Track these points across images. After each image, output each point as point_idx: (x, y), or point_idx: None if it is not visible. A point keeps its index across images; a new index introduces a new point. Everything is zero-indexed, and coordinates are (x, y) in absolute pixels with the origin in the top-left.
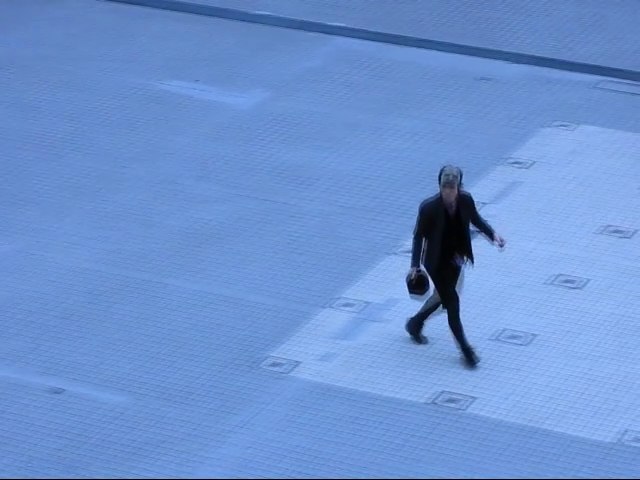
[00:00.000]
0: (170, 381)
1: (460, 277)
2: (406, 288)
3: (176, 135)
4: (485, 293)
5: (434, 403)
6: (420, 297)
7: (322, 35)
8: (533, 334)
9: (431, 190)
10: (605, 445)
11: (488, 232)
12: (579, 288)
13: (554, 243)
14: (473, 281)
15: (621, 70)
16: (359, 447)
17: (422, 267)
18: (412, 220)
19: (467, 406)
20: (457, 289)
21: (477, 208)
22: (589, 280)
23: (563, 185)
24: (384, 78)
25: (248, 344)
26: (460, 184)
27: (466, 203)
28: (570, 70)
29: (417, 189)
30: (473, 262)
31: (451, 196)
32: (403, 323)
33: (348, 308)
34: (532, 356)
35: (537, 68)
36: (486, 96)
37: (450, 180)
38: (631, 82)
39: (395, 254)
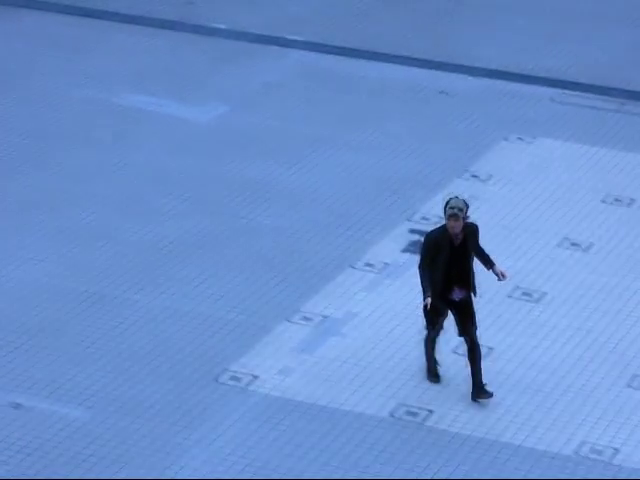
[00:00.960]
0: (129, 395)
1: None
2: (424, 318)
3: (135, 150)
4: None
5: (392, 416)
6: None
7: (281, 49)
8: (490, 347)
9: (387, 203)
10: (562, 457)
11: (488, 262)
12: (537, 301)
13: (512, 256)
14: None
15: (579, 83)
16: (318, 461)
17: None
18: (370, 234)
19: (425, 419)
20: (472, 334)
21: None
22: (547, 293)
23: (521, 198)
24: (343, 92)
25: (207, 358)
26: (466, 216)
27: (472, 233)
28: (529, 83)
29: (376, 203)
30: (475, 294)
31: (455, 228)
32: (361, 336)
33: (307, 322)
34: (490, 369)
35: (496, 81)
36: (445, 110)
37: (455, 213)
38: (589, 95)
39: (354, 268)
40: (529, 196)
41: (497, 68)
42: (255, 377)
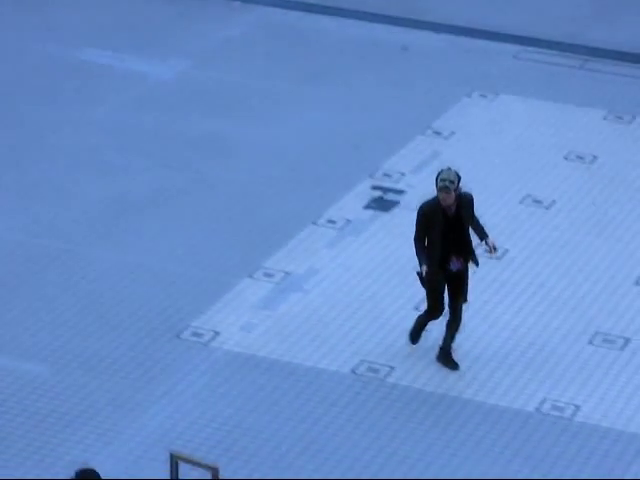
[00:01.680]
0: (91, 351)
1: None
2: (420, 284)
3: (96, 105)
4: (405, 263)
5: (354, 373)
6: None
7: (243, 4)
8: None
9: (349, 159)
10: (524, 414)
11: (481, 234)
12: (499, 258)
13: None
14: (394, 250)
15: (542, 40)
16: (280, 417)
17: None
18: (332, 190)
19: (387, 375)
20: (465, 301)
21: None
22: (509, 250)
23: (483, 155)
24: (305, 48)
25: (169, 314)
26: (458, 187)
27: (466, 203)
28: (491, 40)
29: (337, 160)
30: (477, 263)
31: (447, 200)
32: (323, 293)
33: (269, 278)
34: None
35: (458, 38)
36: (406, 66)
37: (446, 186)
38: (552, 52)
39: (315, 224)
40: (491, 153)
41: (459, 24)
42: (217, 333)
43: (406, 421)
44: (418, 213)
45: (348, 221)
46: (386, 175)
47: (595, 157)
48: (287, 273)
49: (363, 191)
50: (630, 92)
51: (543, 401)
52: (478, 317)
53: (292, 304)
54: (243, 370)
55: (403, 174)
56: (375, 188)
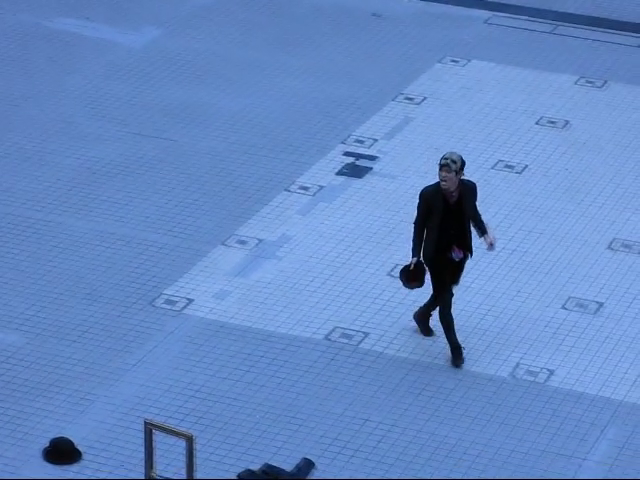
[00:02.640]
0: (64, 320)
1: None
2: (400, 279)
3: (68, 74)
4: (378, 229)
5: (328, 339)
6: (413, 289)
7: None
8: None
9: (321, 126)
10: (498, 379)
11: (481, 228)
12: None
13: None
14: (367, 216)
15: (512, 5)
16: (254, 384)
17: (421, 258)
18: (304, 157)
19: (361, 342)
20: (456, 284)
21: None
22: (481, 215)
23: (455, 121)
24: (277, 16)
25: (142, 282)
26: (460, 171)
27: (469, 192)
28: (462, 5)
29: (310, 126)
30: (471, 254)
31: (448, 181)
32: (296, 260)
33: (242, 245)
34: (425, 290)
35: (429, 4)
36: (378, 32)
37: (447, 163)
38: (521, 17)
39: (288, 191)
40: (463, 119)
41: None
42: (190, 301)
43: (380, 387)
44: (419, 197)
45: (321, 187)
46: (358, 141)
47: (567, 122)
48: (260, 240)
49: (335, 157)
50: (601, 57)
51: (517, 366)
52: None
53: (265, 271)
54: (217, 337)
55: (375, 140)
56: (347, 154)
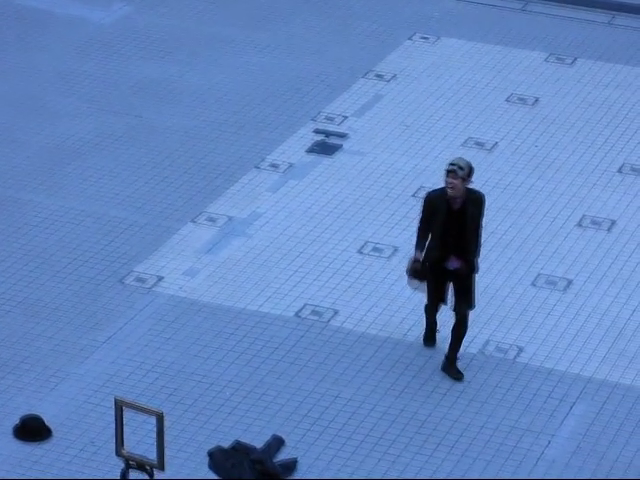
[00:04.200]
0: (34, 298)
1: (469, 286)
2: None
3: (38, 51)
4: (348, 206)
5: (298, 316)
6: (417, 286)
7: None
8: (395, 247)
9: (291, 103)
10: (467, 355)
11: (473, 246)
12: None
13: (416, 156)
14: (337, 194)
15: None
16: (224, 361)
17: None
18: (274, 134)
19: (331, 319)
20: (459, 300)
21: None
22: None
23: (424, 98)
24: None
25: (112, 259)
26: (468, 178)
27: (474, 201)
28: None
29: (279, 103)
30: (474, 270)
31: (454, 188)
32: (267, 237)
33: (212, 223)
34: (394, 268)
35: None
36: (348, 9)
37: (453, 169)
38: None
39: (258, 168)
40: (433, 96)
41: None
42: (160, 278)
43: (350, 364)
44: (423, 200)
45: (291, 165)
46: (328, 119)
47: (537, 99)
48: (230, 218)
49: (305, 135)
50: (571, 34)
51: (486, 343)
52: None
53: (235, 249)
54: (187, 315)
55: (345, 117)
56: (317, 132)
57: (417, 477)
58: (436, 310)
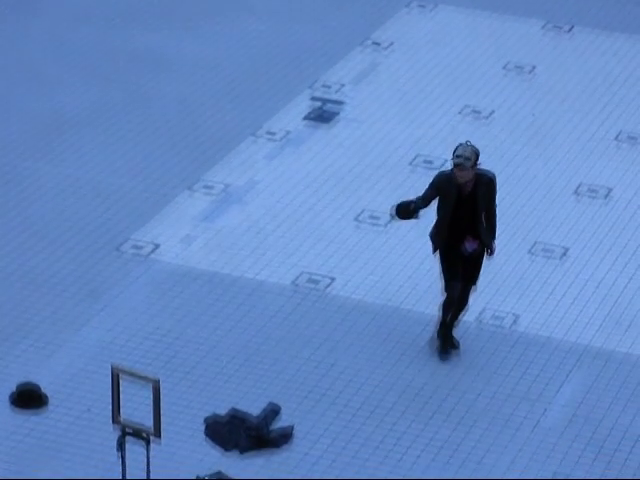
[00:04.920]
0: (30, 265)
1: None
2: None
3: (34, 20)
4: (345, 174)
5: (294, 284)
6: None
7: None
8: (392, 215)
9: (287, 71)
10: (463, 324)
11: (489, 230)
12: (438, 169)
13: (413, 124)
14: (333, 162)
15: None
16: (221, 329)
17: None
18: (271, 102)
19: (327, 286)
20: (474, 283)
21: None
22: (447, 160)
23: (422, 66)
24: None
25: (108, 227)
26: (475, 165)
27: (483, 182)
28: None
29: (276, 71)
30: (491, 252)
31: (463, 177)
32: (263, 205)
33: (208, 190)
34: (392, 236)
35: None
36: None
37: (460, 163)
38: None
39: (254, 136)
40: (430, 64)
41: None
42: (157, 246)
43: (347, 332)
44: (431, 181)
45: (287, 133)
46: (325, 86)
47: (534, 67)
48: (227, 185)
49: (302, 102)
50: (568, 2)
51: (482, 311)
52: (417, 229)
53: (232, 216)
54: (183, 283)
55: (342, 85)
56: (314, 99)
57: (413, 445)
58: (455, 302)
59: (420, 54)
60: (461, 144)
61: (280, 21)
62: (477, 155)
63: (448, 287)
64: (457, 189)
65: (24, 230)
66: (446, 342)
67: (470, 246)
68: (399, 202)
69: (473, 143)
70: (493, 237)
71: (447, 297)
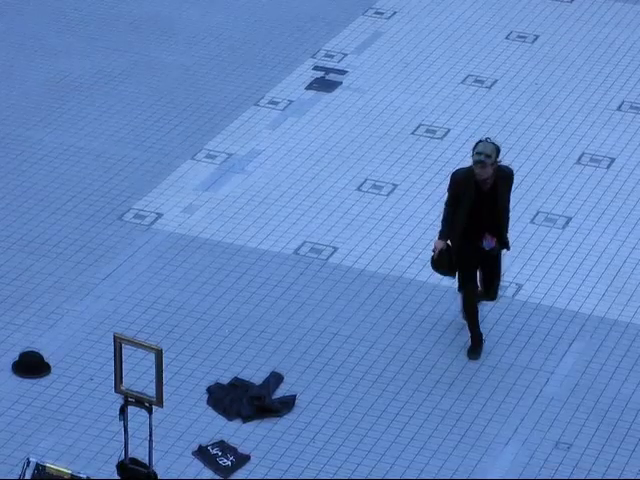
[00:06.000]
0: (33, 234)
1: (498, 263)
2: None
3: None
4: (347, 143)
5: (297, 253)
6: (444, 275)
7: None
8: (394, 184)
9: (290, 40)
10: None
11: (502, 226)
12: (441, 137)
13: (416, 93)
14: (336, 131)
15: None
16: (223, 298)
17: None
18: (273, 71)
19: (329, 256)
20: (491, 284)
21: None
22: (451, 130)
23: (425, 35)
24: None
25: (111, 196)
26: (496, 162)
27: (503, 179)
28: None
29: (279, 40)
30: (508, 247)
31: (482, 174)
32: (266, 174)
33: (211, 160)
34: (394, 205)
35: None
36: None
37: (481, 160)
38: None
39: (257, 105)
40: (433, 33)
41: None
42: (160, 215)
43: (349, 301)
44: (450, 179)
45: (290, 102)
46: (328, 55)
47: (537, 36)
48: (229, 155)
49: (305, 72)
50: None
51: None
52: (421, 196)
53: (234, 186)
54: (186, 252)
55: (345, 54)
56: (317, 68)
57: (416, 414)
58: (477, 308)
59: (423, 23)
60: (481, 140)
61: None
62: (498, 152)
63: (464, 290)
64: (476, 185)
65: (27, 199)
66: (476, 345)
67: (488, 244)
68: (432, 260)
69: (476, 112)
70: (507, 230)
71: (464, 302)
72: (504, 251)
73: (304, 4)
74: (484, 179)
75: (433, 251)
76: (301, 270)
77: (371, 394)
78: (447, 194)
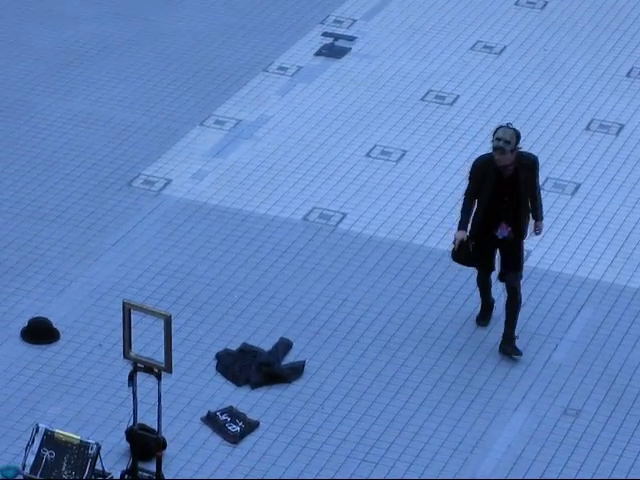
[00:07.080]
0: (42, 200)
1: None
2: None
3: None
4: (356, 110)
5: (306, 220)
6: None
7: None
8: (403, 150)
9: (299, 6)
10: None
11: (536, 213)
12: (450, 104)
13: (425, 60)
14: (345, 97)
15: None
16: (232, 264)
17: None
18: (283, 37)
19: (339, 222)
20: (507, 269)
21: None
22: (460, 96)
23: (434, 1)
24: None
25: (121, 162)
26: (516, 148)
27: (526, 165)
28: None
29: (287, 6)
30: (523, 236)
31: (502, 162)
32: (275, 141)
33: (220, 126)
34: (403, 172)
35: None
36: None
37: (500, 146)
38: None
39: (266, 72)
40: None
41: None
42: (169, 181)
43: (359, 268)
44: (471, 167)
45: (299, 68)
46: (337, 22)
47: (546, 3)
48: (238, 121)
49: (314, 38)
50: None
51: None
52: (430, 163)
53: (243, 152)
54: (195, 218)
55: (354, 20)
56: (326, 35)
57: (425, 380)
58: (489, 283)
59: None
60: (501, 126)
61: None
62: (518, 137)
63: (478, 272)
64: (496, 172)
65: (36, 166)
66: (486, 311)
67: (501, 232)
68: (452, 250)
69: (485, 79)
70: (540, 217)
71: (478, 280)
72: (532, 236)
73: None
74: (505, 165)
75: (453, 242)
76: (310, 237)
77: (380, 360)
78: (468, 184)
